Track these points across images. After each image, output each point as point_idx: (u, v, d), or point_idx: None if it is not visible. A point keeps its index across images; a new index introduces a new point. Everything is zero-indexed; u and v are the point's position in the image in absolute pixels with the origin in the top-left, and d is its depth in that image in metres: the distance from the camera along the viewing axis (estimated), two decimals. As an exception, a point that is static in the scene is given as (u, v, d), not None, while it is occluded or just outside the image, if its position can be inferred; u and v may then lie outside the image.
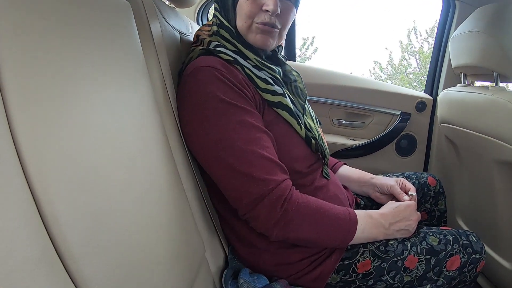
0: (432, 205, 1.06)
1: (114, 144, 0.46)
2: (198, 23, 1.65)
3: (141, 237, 0.48)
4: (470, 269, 0.79)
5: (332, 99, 1.56)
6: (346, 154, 1.56)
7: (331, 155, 1.49)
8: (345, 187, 0.96)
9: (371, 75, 7.16)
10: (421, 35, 7.24)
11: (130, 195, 0.47)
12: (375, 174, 1.00)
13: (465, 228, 1.32)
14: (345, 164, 1.04)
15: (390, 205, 0.80)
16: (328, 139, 1.54)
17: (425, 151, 1.62)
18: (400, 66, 7.38)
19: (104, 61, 0.48)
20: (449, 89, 1.26)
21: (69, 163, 0.37)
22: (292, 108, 0.75)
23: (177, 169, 0.67)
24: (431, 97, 1.58)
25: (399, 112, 1.56)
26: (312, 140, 0.77)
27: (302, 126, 0.75)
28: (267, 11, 0.72)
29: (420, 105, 1.56)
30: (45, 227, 0.33)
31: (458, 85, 1.26)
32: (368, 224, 0.73)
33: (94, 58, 0.46)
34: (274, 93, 0.73)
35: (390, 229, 0.75)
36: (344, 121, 1.60)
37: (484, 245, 0.87)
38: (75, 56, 0.42)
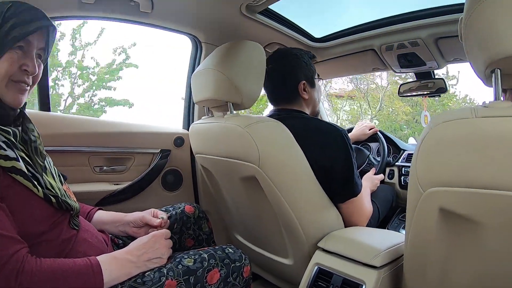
0: (196, 230, 1.16)
1: None
2: None
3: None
4: (236, 277, 0.89)
5: (90, 147, 1.48)
6: (113, 199, 1.48)
7: (97, 203, 1.40)
8: (102, 231, 0.98)
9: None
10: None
11: None
12: None
13: (244, 241, 1.43)
14: (100, 209, 1.06)
15: (136, 241, 0.86)
16: (91, 187, 1.47)
17: (192, 183, 1.70)
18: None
19: None
20: (196, 122, 1.37)
21: None
22: (26, 172, 0.74)
23: None
24: (187, 132, 1.68)
25: (158, 150, 1.58)
26: (53, 198, 0.77)
27: (40, 188, 0.75)
28: (26, 71, 0.75)
29: (179, 141, 1.64)
30: None
31: (203, 117, 1.38)
32: (114, 265, 0.76)
33: None
34: (6, 158, 0.72)
35: (140, 261, 0.80)
36: (105, 167, 1.53)
37: (244, 253, 0.95)
38: None
